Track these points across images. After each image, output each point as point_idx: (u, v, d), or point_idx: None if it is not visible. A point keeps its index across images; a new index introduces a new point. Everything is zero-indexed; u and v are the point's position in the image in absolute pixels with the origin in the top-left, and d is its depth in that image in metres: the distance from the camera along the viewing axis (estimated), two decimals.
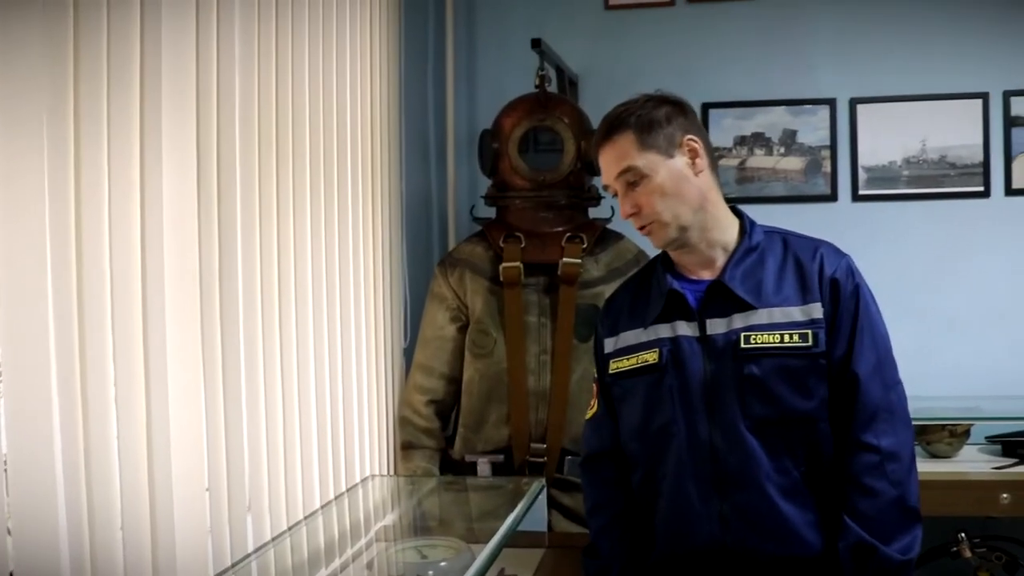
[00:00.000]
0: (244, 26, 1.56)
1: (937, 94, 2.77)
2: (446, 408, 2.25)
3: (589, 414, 1.56)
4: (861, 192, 2.76)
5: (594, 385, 1.55)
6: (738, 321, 1.37)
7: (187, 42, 1.39)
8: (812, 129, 2.78)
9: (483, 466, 2.18)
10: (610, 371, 1.47)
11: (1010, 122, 2.76)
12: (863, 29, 2.81)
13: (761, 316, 1.36)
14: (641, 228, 1.42)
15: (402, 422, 2.24)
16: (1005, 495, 2.34)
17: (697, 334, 1.38)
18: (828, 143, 2.77)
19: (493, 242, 2.23)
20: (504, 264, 2.16)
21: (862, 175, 2.76)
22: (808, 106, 2.79)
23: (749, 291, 1.38)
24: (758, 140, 2.80)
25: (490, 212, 2.42)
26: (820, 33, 2.83)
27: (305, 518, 1.70)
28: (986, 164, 2.74)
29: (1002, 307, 2.75)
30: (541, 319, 2.18)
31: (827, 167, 2.77)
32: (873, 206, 2.75)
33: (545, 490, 1.93)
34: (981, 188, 2.74)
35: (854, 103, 2.78)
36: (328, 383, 1.90)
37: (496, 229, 2.26)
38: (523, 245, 2.19)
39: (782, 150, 2.79)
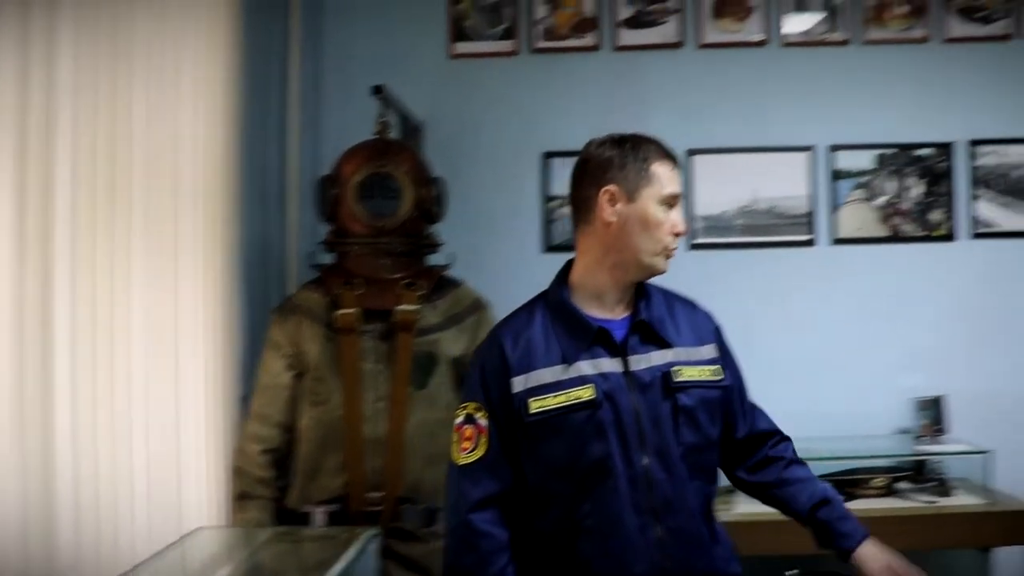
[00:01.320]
0: (75, 62, 1.73)
1: (768, 146, 3.27)
2: (282, 457, 2.47)
3: (468, 459, 1.66)
4: (698, 240, 3.20)
5: (470, 428, 1.67)
6: (660, 357, 1.66)
7: (8, 77, 1.55)
8: None
9: (319, 516, 2.40)
10: (532, 410, 1.62)
11: (835, 175, 3.28)
12: (700, 82, 3.31)
13: (680, 353, 1.68)
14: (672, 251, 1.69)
15: (236, 472, 2.45)
16: None
17: (621, 369, 1.63)
18: None
19: (330, 288, 2.49)
20: (340, 311, 2.43)
21: (699, 224, 3.21)
22: None
23: (665, 330, 1.69)
24: None
25: (331, 258, 2.66)
26: (659, 85, 3.32)
27: (125, 573, 1.79)
28: (811, 214, 3.25)
29: (829, 351, 3.25)
30: (378, 366, 2.44)
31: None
32: (709, 254, 3.21)
33: (378, 539, 2.17)
34: (808, 237, 3.25)
35: (691, 154, 3.24)
36: (154, 434, 2.06)
37: (334, 275, 2.52)
38: (361, 291, 2.46)
39: None
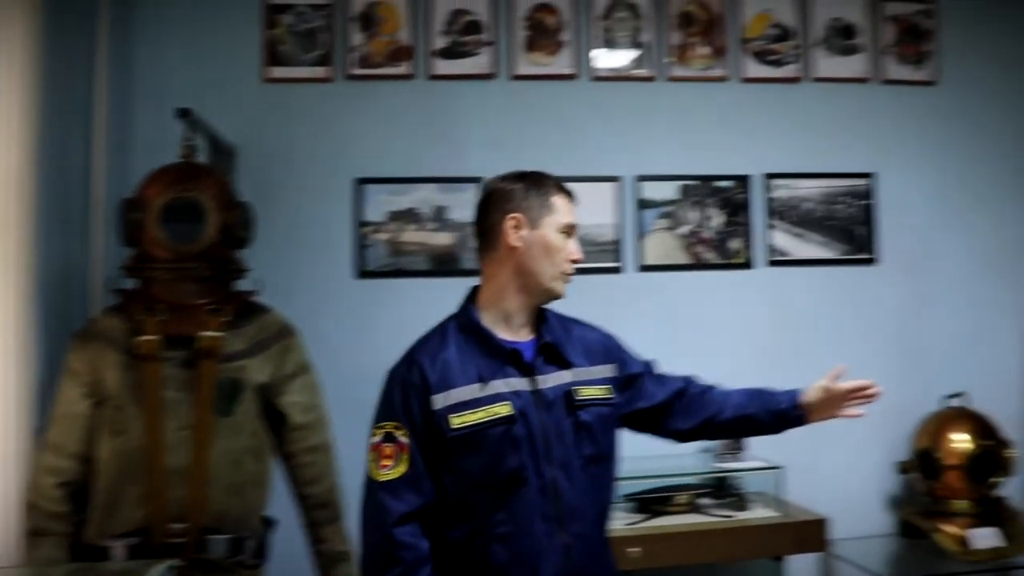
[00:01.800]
0: None
1: (577, 176, 3.51)
2: (79, 490, 2.49)
3: (389, 475, 1.82)
4: None
5: (390, 446, 1.84)
6: (562, 377, 1.91)
7: None
8: (461, 206, 3.42)
9: (118, 550, 2.42)
10: (453, 426, 1.81)
11: (641, 204, 3.57)
12: (512, 112, 3.55)
13: (578, 373, 1.94)
14: (570, 277, 1.96)
15: (29, 508, 2.46)
16: (635, 549, 3.00)
17: (530, 388, 1.87)
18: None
19: (131, 314, 2.54)
20: (140, 337, 2.48)
21: None
22: (458, 184, 3.43)
23: (565, 352, 1.95)
24: (410, 215, 3.39)
25: (134, 283, 2.70)
26: (472, 114, 3.54)
27: None
28: (618, 242, 3.52)
29: None
30: (180, 394, 2.49)
31: (475, 243, 3.41)
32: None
33: (173, 571, 2.24)
34: (616, 264, 3.52)
35: None
36: None
37: (135, 301, 2.57)
38: (164, 318, 2.52)
39: (433, 226, 3.40)
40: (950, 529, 3.39)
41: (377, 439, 1.86)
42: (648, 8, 3.67)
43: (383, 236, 3.42)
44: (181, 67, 3.43)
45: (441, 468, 1.84)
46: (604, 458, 1.96)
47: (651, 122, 3.67)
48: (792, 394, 2.12)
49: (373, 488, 1.84)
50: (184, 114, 2.83)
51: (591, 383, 1.96)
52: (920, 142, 3.88)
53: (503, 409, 1.84)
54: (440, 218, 3.46)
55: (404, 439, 1.83)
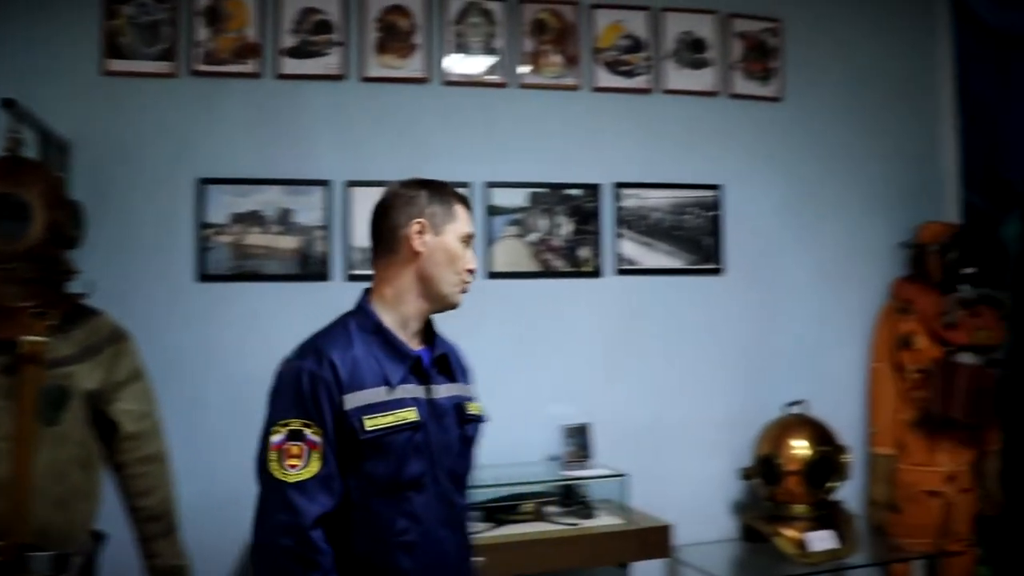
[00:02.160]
0: None
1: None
2: None
3: (299, 476, 1.78)
4: (354, 272, 3.46)
5: (296, 444, 1.79)
6: (452, 389, 2.00)
7: None
8: (308, 209, 3.45)
9: None
10: (367, 428, 1.82)
11: (490, 210, 3.67)
12: (361, 115, 3.60)
13: (462, 388, 2.04)
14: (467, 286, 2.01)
15: None
16: (479, 559, 3.07)
17: (425, 396, 1.93)
18: (323, 223, 3.45)
19: None
20: None
21: (356, 256, 3.47)
22: (305, 186, 3.45)
23: (452, 365, 2.05)
24: (255, 218, 3.40)
25: None
26: (320, 116, 3.57)
27: None
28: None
29: (484, 381, 3.58)
30: (2, 402, 2.43)
31: (322, 247, 3.44)
32: (364, 286, 3.43)
33: None
34: None
35: (350, 185, 3.50)
36: None
37: None
38: None
39: (279, 229, 3.41)
40: (789, 533, 3.60)
41: (279, 437, 1.80)
42: (502, 14, 3.78)
43: (226, 239, 3.41)
44: (11, 55, 3.34)
45: (346, 471, 1.85)
46: (470, 470, 2.09)
47: (502, 129, 3.77)
48: None
49: (280, 489, 1.78)
50: (8, 104, 2.77)
51: (472, 399, 2.06)
52: (765, 156, 4.11)
53: (410, 415, 1.89)
54: (286, 221, 3.47)
55: (315, 437, 1.80)
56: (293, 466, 1.78)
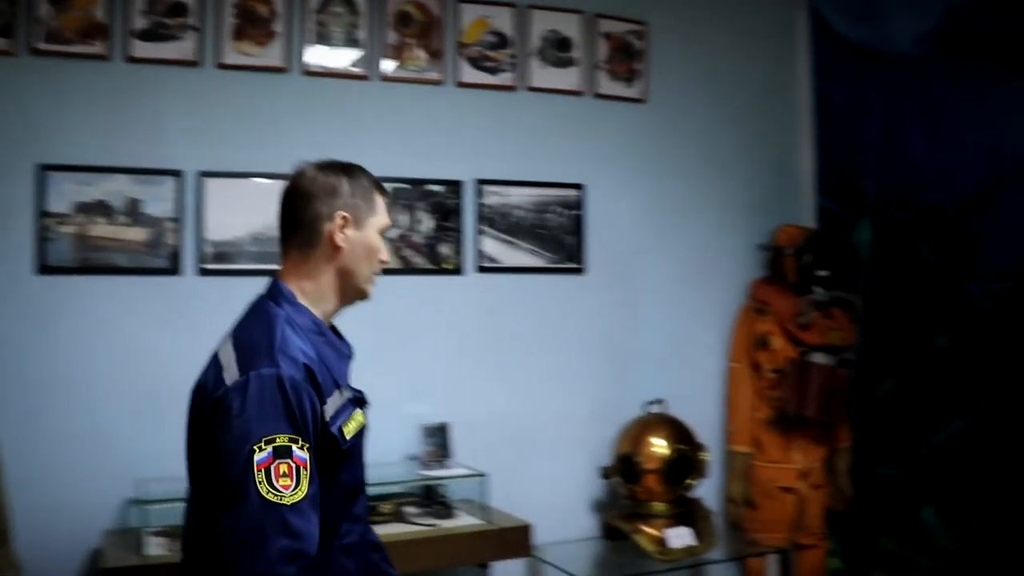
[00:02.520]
0: None
1: (282, 173, 3.54)
2: None
3: (294, 496, 1.64)
4: (206, 266, 3.43)
5: (285, 463, 1.65)
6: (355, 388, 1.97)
7: None
8: (158, 200, 3.41)
9: None
10: (347, 436, 1.81)
11: None
12: (217, 103, 3.57)
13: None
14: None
15: None
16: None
17: (353, 395, 1.93)
18: (175, 215, 3.41)
19: None
20: None
21: (208, 249, 3.44)
22: (154, 176, 3.41)
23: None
24: (101, 208, 3.33)
25: None
26: (173, 102, 3.52)
27: None
28: None
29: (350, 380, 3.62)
30: None
31: (172, 239, 3.40)
32: (218, 281, 3.44)
33: None
34: None
35: (204, 176, 3.47)
36: None
37: None
38: None
39: (126, 220, 3.36)
40: (649, 530, 3.74)
41: (264, 454, 1.63)
42: (365, 5, 3.81)
43: (69, 229, 3.33)
44: None
45: (323, 483, 1.77)
46: None
47: (363, 122, 3.80)
48: None
49: (275, 512, 1.62)
50: None
51: None
52: (629, 157, 4.26)
53: (362, 416, 1.90)
54: (134, 212, 3.41)
55: (303, 454, 1.67)
56: (286, 487, 1.63)
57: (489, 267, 3.97)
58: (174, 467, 3.14)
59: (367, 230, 1.92)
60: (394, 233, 3.81)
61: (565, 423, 4.03)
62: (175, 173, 3.48)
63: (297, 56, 3.73)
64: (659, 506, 3.80)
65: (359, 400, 1.96)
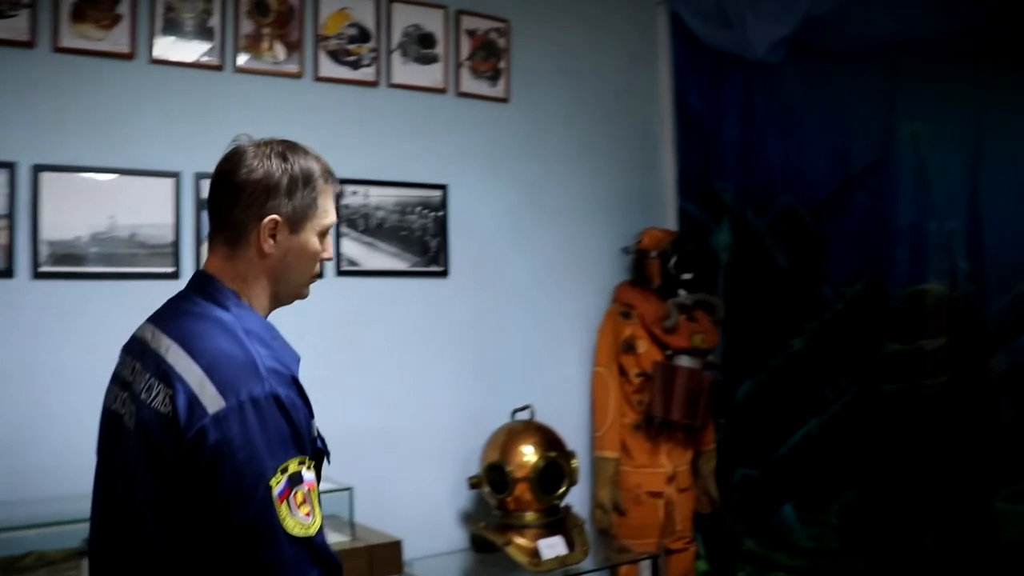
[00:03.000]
0: None
1: (129, 169, 3.27)
2: None
3: (314, 526, 1.52)
4: (42, 269, 3.09)
5: (301, 490, 1.50)
6: None
7: None
8: None
9: None
10: (328, 450, 1.72)
11: (201, 204, 3.40)
12: (53, 90, 3.22)
13: None
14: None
15: None
16: None
17: None
18: (6, 212, 3.06)
19: None
20: None
21: (45, 250, 3.10)
22: None
23: None
24: None
25: None
26: (2, 87, 3.13)
27: None
28: (177, 244, 3.33)
29: None
30: None
31: (4, 238, 3.05)
32: (56, 284, 3.11)
33: None
34: (173, 269, 3.32)
35: (38, 170, 3.13)
36: None
37: None
38: None
39: None
40: (520, 541, 3.59)
41: (281, 487, 1.48)
42: None
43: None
44: None
45: None
46: None
47: (215, 115, 3.51)
48: None
49: (306, 546, 1.49)
50: None
51: None
52: (492, 157, 4.12)
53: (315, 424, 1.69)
54: None
55: (310, 474, 1.55)
56: (307, 515, 1.51)
57: (349, 270, 3.74)
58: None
59: (304, 233, 1.70)
60: None
61: (431, 432, 3.85)
62: (7, 165, 3.12)
63: (145, 42, 3.41)
64: (530, 516, 3.66)
65: None
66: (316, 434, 1.67)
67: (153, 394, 1.56)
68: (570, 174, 4.34)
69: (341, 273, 3.73)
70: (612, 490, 4.07)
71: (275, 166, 1.67)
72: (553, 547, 3.59)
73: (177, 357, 1.57)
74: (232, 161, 1.69)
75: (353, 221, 3.76)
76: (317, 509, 1.54)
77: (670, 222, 4.54)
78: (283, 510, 1.46)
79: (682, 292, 4.13)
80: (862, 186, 4.33)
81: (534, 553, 3.56)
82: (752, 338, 4.44)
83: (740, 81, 4.53)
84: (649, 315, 4.09)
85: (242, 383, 1.51)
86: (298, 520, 1.48)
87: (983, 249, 4.03)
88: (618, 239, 4.36)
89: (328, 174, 1.75)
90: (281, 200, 1.65)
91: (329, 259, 1.81)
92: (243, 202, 1.65)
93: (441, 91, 4.02)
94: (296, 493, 1.49)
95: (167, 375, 1.55)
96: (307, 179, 1.69)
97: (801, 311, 4.41)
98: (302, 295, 1.79)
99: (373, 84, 3.87)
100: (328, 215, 1.74)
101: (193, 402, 1.50)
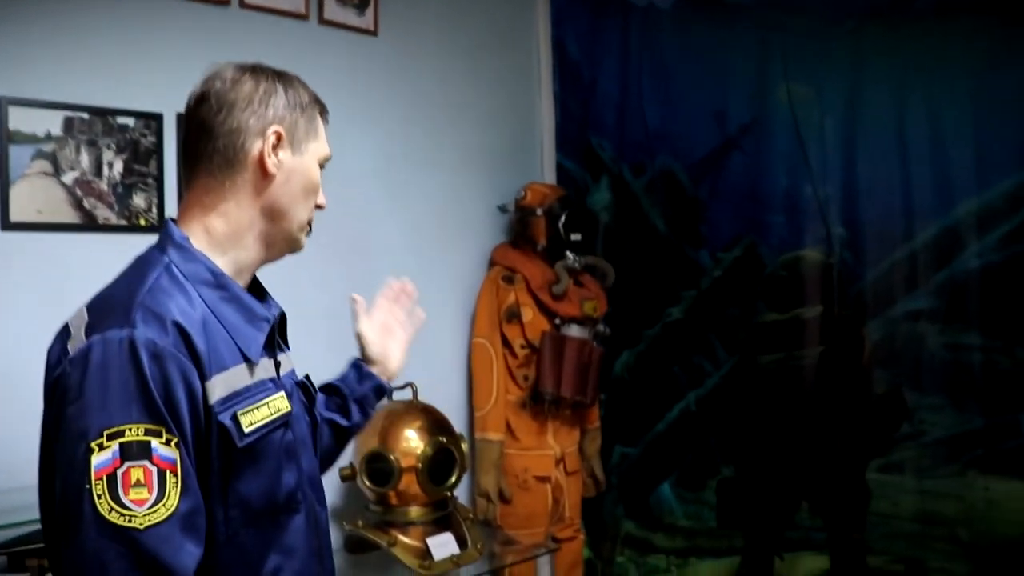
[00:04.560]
0: None
1: None
2: None
3: (154, 516, 1.14)
4: None
5: (139, 466, 1.14)
6: (288, 362, 1.48)
7: None
8: None
9: None
10: (244, 427, 1.28)
11: (10, 137, 2.58)
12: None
13: (290, 359, 1.51)
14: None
15: None
16: None
17: (277, 375, 1.40)
18: None
19: None
20: None
21: None
22: None
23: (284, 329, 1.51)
24: None
25: None
26: None
27: None
28: None
29: (8, 365, 2.54)
30: None
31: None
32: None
33: None
34: None
35: None
36: None
37: None
38: None
39: None
40: (407, 540, 2.96)
41: (105, 456, 1.14)
42: None
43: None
44: None
45: (208, 495, 1.24)
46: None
47: (28, 29, 2.71)
48: (349, 371, 1.89)
49: (124, 540, 1.13)
50: None
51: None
52: (356, 97, 3.46)
53: (282, 403, 1.37)
54: None
55: (169, 452, 1.17)
56: (140, 502, 1.14)
57: None
58: None
59: (307, 157, 1.45)
60: (71, 178, 2.74)
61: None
62: None
63: None
64: (416, 511, 3.03)
65: (304, 388, 1.55)
66: (228, 412, 1.28)
67: (50, 346, 1.31)
68: (444, 122, 3.71)
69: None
70: (497, 476, 3.49)
71: (268, 80, 1.44)
72: (444, 545, 2.99)
73: (81, 308, 1.32)
74: (216, 80, 1.42)
75: None
76: (168, 498, 1.16)
77: (548, 178, 3.99)
78: (99, 487, 1.13)
79: (570, 254, 3.59)
80: (739, 147, 3.94)
81: (423, 553, 2.94)
82: (630, 307, 3.97)
83: (619, 27, 4.03)
84: (535, 280, 3.53)
85: (105, 321, 1.23)
86: (118, 504, 1.13)
87: (859, 216, 3.74)
88: (494, 195, 3.78)
89: (320, 103, 1.52)
90: (284, 112, 1.42)
91: (323, 207, 1.51)
92: (237, 113, 1.38)
93: (302, 17, 3.30)
94: (130, 469, 1.14)
95: (65, 326, 1.31)
96: (304, 95, 1.47)
97: (679, 278, 3.99)
98: (298, 244, 1.49)
99: (224, 3, 3.11)
100: (326, 146, 1.50)
101: (63, 350, 1.25)
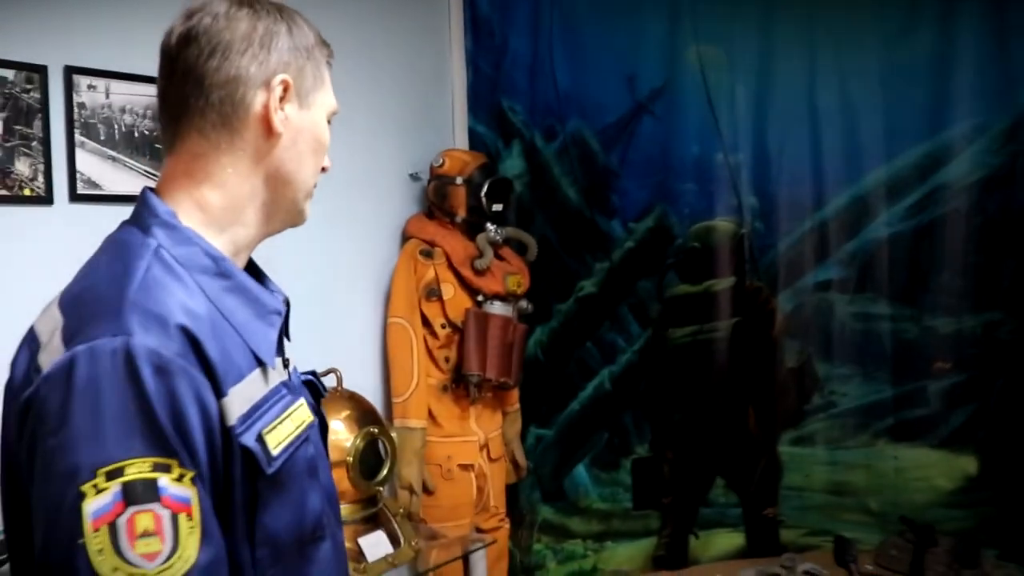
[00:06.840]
0: None
1: None
2: None
3: (172, 573, 0.91)
4: None
5: (146, 512, 0.90)
6: (293, 355, 1.27)
7: None
8: None
9: None
10: (272, 450, 1.06)
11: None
12: None
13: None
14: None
15: None
16: None
17: (286, 377, 1.20)
18: None
19: None
20: None
21: None
22: None
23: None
24: None
25: None
26: None
27: None
28: None
29: None
30: None
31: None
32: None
33: None
34: None
35: None
36: None
37: None
38: None
39: None
40: None
41: (104, 501, 0.90)
42: None
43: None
44: None
45: (235, 536, 1.03)
46: None
47: None
48: None
49: None
50: None
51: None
52: None
53: (304, 413, 1.18)
54: None
55: (182, 491, 0.94)
56: (151, 556, 0.91)
57: (88, 194, 2.67)
58: None
59: (315, 111, 1.22)
60: None
61: None
62: None
63: None
64: (346, 509, 2.81)
65: (310, 385, 1.34)
66: (252, 432, 1.06)
67: (13, 359, 1.10)
68: (349, 82, 3.43)
69: (77, 198, 2.64)
70: (420, 466, 3.31)
71: (269, 16, 1.18)
72: (377, 545, 2.79)
73: (49, 308, 1.11)
74: (203, 15, 1.14)
75: (91, 127, 2.67)
76: (184, 549, 0.94)
77: (460, 144, 3.80)
78: (95, 540, 0.90)
79: (491, 226, 3.42)
80: (651, 112, 3.87)
81: (356, 555, 2.74)
82: (543, 281, 3.85)
83: None
84: (457, 254, 3.35)
85: (92, 327, 0.98)
86: (126, 560, 0.91)
87: (771, 185, 3.74)
88: (405, 162, 3.56)
89: (326, 44, 1.28)
90: (290, 57, 1.19)
91: (327, 169, 1.29)
92: (234, 58, 1.14)
93: None
94: (136, 516, 0.92)
95: (30, 331, 1.10)
96: (308, 40, 1.23)
97: (592, 250, 3.90)
98: (302, 217, 1.28)
99: None
100: (333, 97, 1.28)
101: (32, 362, 1.03)
